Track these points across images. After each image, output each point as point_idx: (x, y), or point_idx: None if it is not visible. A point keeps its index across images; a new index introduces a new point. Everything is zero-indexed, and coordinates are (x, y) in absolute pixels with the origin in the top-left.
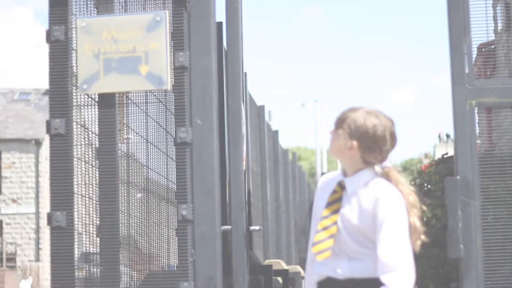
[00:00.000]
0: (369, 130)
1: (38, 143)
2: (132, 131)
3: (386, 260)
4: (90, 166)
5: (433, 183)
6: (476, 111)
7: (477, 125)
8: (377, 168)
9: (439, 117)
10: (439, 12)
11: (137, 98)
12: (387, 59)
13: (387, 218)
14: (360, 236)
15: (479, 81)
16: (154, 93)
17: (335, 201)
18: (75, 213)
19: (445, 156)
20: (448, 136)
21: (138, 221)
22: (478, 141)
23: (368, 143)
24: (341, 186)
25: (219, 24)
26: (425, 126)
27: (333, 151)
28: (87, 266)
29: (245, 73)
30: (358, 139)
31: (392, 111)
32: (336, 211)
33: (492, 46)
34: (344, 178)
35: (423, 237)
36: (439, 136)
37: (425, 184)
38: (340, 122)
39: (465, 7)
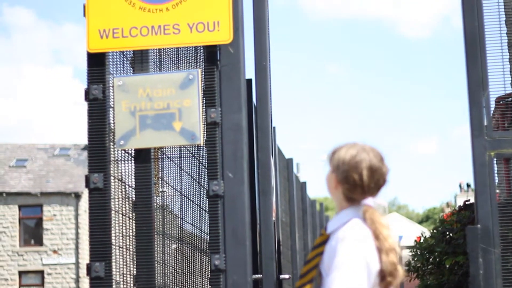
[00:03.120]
0: (345, 162)
1: (77, 196)
2: (167, 185)
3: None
4: (127, 218)
5: (455, 231)
6: (495, 161)
7: (496, 175)
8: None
9: (459, 167)
10: (459, 67)
11: (171, 153)
12: (410, 112)
13: (336, 258)
14: None
15: (497, 133)
16: (188, 148)
17: (320, 244)
18: (113, 263)
19: (467, 203)
20: (468, 185)
21: (173, 270)
22: (498, 191)
23: (344, 177)
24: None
25: (249, 81)
26: (447, 176)
27: (328, 191)
28: None
29: (274, 127)
30: (337, 174)
31: (415, 161)
32: (319, 254)
33: (509, 99)
34: None
35: (397, 281)
36: (460, 186)
37: (447, 233)
38: (329, 158)
39: (483, 62)
